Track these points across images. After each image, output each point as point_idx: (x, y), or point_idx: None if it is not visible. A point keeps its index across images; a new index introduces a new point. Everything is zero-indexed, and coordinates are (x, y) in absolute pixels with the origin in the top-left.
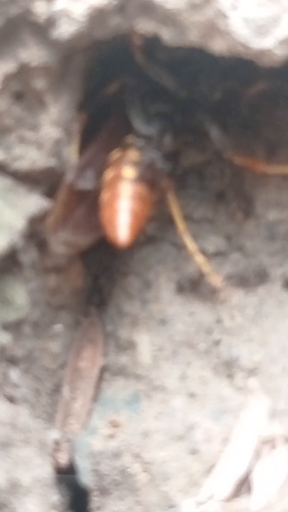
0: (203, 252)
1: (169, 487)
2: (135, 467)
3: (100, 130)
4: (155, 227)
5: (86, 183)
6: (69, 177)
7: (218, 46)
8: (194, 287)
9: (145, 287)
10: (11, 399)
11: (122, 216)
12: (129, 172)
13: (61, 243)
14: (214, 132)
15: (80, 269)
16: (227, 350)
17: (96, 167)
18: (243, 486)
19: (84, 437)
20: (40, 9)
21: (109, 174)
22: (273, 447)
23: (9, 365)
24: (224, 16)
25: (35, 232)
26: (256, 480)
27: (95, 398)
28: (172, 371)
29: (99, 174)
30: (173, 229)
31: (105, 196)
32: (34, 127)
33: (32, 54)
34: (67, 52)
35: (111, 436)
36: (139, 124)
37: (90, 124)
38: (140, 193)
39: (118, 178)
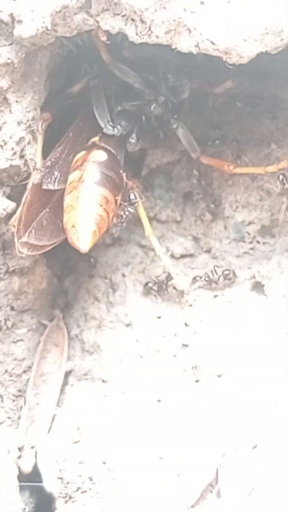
0: (171, 254)
1: (136, 495)
2: (101, 474)
3: (67, 131)
4: (121, 229)
5: (52, 184)
6: (35, 177)
7: (185, 43)
8: (161, 290)
9: (111, 289)
10: None
11: (84, 220)
12: (92, 174)
13: (25, 245)
14: (182, 132)
15: (44, 272)
16: (195, 355)
17: (62, 168)
18: (208, 491)
19: (49, 444)
20: (3, 5)
21: (73, 176)
22: (241, 451)
23: None
24: (191, 11)
25: None
26: (224, 486)
27: (60, 403)
28: (139, 376)
29: (66, 175)
30: (140, 230)
31: (68, 198)
32: None
33: None
34: (30, 49)
35: (76, 443)
36: (105, 124)
37: (57, 124)
38: (104, 195)
39: (81, 180)
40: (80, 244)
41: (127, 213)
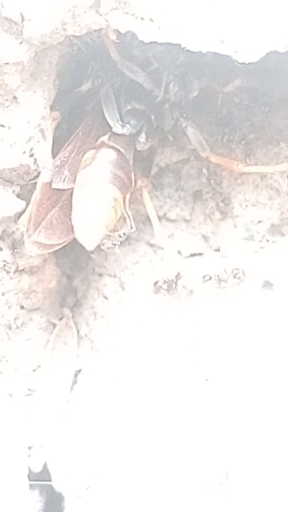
0: (180, 252)
1: (146, 494)
2: (110, 473)
3: (76, 129)
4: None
5: (61, 183)
6: (45, 176)
7: (194, 41)
8: (171, 288)
9: (121, 288)
10: None
11: (92, 218)
12: (101, 173)
13: (35, 244)
14: (191, 131)
15: (54, 270)
16: (205, 354)
17: (72, 167)
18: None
19: (58, 442)
20: (13, 4)
21: (82, 175)
22: (252, 451)
23: None
24: (200, 10)
25: (8, 233)
26: (233, 486)
27: (69, 402)
28: (149, 375)
29: (75, 174)
30: (149, 229)
31: (76, 197)
32: (6, 125)
33: (4, 49)
34: (40, 48)
35: (86, 441)
36: (114, 123)
37: (66, 123)
38: (112, 194)
39: (90, 178)
40: (87, 242)
41: (120, 238)
